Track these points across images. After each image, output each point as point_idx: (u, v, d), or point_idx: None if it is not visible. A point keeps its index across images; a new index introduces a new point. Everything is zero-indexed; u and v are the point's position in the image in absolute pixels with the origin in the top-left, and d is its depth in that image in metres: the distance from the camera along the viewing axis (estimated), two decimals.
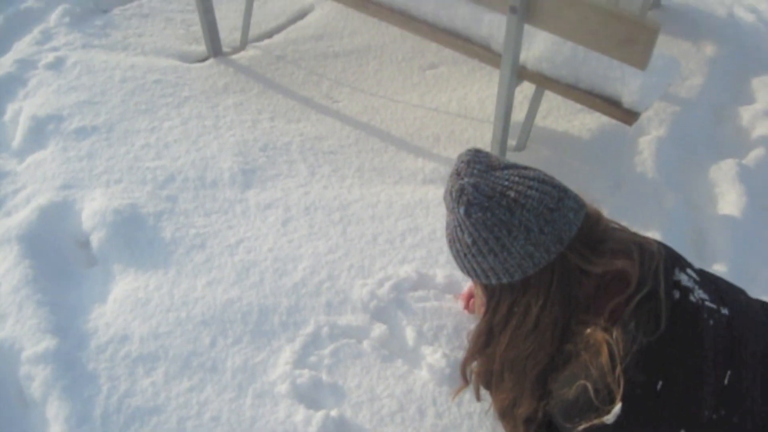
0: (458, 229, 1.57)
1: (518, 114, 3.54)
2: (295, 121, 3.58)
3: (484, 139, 3.50)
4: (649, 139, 3.58)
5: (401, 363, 2.55)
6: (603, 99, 3.01)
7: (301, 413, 2.36)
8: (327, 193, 3.16)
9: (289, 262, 2.83)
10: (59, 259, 2.82)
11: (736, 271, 3.03)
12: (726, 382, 1.49)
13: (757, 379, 1.52)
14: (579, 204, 1.59)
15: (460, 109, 3.74)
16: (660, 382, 1.46)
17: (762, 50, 4.52)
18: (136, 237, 2.86)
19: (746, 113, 3.92)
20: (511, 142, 3.48)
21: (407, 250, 2.92)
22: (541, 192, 1.52)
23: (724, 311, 1.56)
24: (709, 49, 4.33)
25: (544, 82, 3.10)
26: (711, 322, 1.52)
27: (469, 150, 1.63)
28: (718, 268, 3.01)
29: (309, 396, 2.44)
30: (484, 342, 1.73)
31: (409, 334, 2.63)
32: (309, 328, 2.61)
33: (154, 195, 3.04)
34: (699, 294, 1.57)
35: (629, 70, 2.91)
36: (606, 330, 1.51)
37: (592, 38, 2.71)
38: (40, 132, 3.33)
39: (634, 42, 2.63)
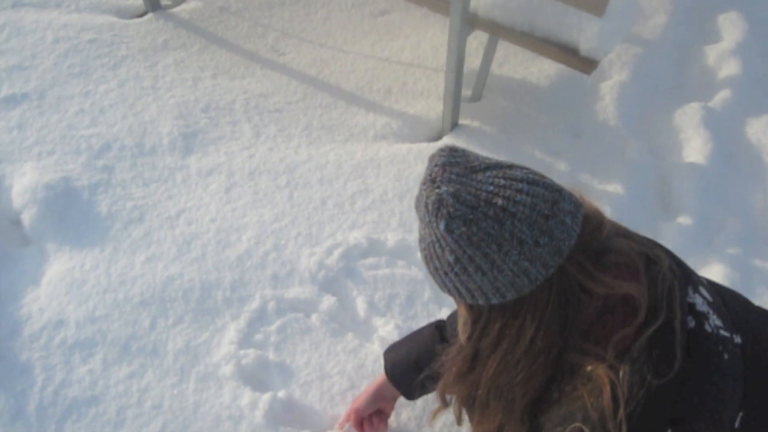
0: (436, 245, 1.33)
1: (474, 61, 3.38)
2: (239, 77, 3.41)
3: (438, 91, 3.34)
4: (610, 84, 3.44)
5: (352, 336, 2.45)
6: (559, 47, 2.86)
7: (247, 396, 2.26)
8: (273, 155, 3.01)
9: (233, 232, 2.69)
10: None
11: (702, 221, 2.94)
12: (737, 425, 1.35)
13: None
14: (576, 206, 1.33)
15: (414, 58, 3.57)
16: (668, 431, 1.30)
17: None
18: (70, 213, 2.71)
19: (712, 52, 3.78)
20: (467, 92, 3.33)
21: (357, 214, 2.79)
22: (533, 196, 1.27)
23: (737, 339, 1.37)
24: None
25: (498, 30, 2.94)
26: (726, 356, 1.33)
27: (442, 150, 1.37)
28: (684, 220, 2.91)
29: (255, 377, 2.33)
30: (470, 367, 1.49)
31: (360, 305, 2.53)
32: (254, 304, 2.49)
33: (89, 166, 2.87)
34: (714, 321, 1.36)
35: (586, 16, 2.75)
36: (611, 367, 1.31)
37: None
38: None
39: None
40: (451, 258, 1.31)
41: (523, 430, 1.49)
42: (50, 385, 2.27)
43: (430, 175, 1.33)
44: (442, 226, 1.28)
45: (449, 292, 1.39)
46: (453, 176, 1.30)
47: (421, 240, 1.38)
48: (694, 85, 3.62)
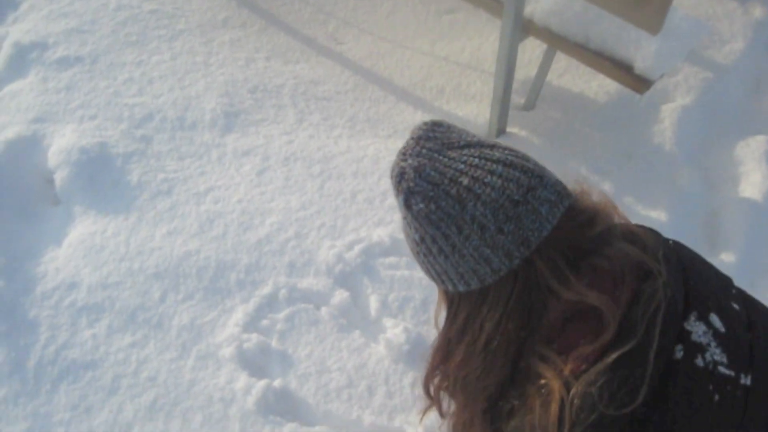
0: (404, 222, 1.29)
1: (533, 69, 3.28)
2: (293, 62, 3.38)
3: (491, 95, 3.26)
4: (672, 107, 3.29)
5: (359, 334, 2.40)
6: (613, 62, 2.74)
7: (242, 380, 2.24)
8: (311, 143, 2.98)
9: (257, 215, 2.67)
10: (22, 196, 2.72)
11: (748, 262, 2.79)
12: None
13: None
14: (559, 195, 1.22)
15: (472, 60, 3.49)
16: None
17: None
18: (100, 178, 2.73)
19: None
20: (520, 100, 3.24)
21: (386, 211, 2.74)
22: (505, 179, 1.18)
23: (745, 380, 1.18)
24: (758, 11, 3.95)
25: (551, 39, 2.84)
26: (716, 397, 1.16)
27: (425, 123, 1.30)
28: (727, 257, 2.77)
29: (254, 362, 2.31)
30: (442, 357, 1.41)
31: (373, 303, 2.48)
32: (266, 289, 2.47)
33: (127, 134, 2.89)
34: (713, 355, 1.18)
35: (645, 33, 2.63)
36: (566, 383, 1.18)
37: None
38: (21, 60, 3.19)
39: (646, 3, 2.36)
40: (416, 236, 1.26)
41: (488, 429, 1.38)
42: (53, 344, 2.29)
43: (404, 147, 1.29)
44: (401, 200, 1.24)
45: (425, 273, 1.34)
46: (424, 150, 1.24)
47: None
48: (764, 117, 3.43)
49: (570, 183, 1.30)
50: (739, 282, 2.71)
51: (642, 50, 2.68)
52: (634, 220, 2.80)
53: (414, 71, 3.42)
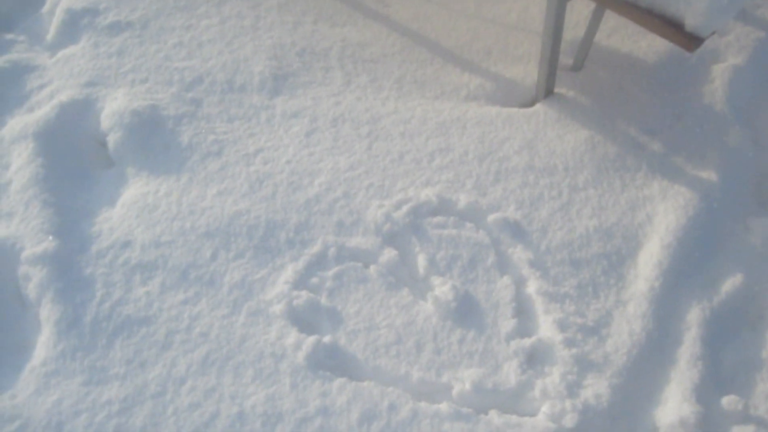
0: None
1: (582, 30, 3.24)
2: (339, 24, 3.39)
3: (539, 56, 3.23)
4: (723, 67, 3.23)
5: (407, 292, 2.42)
6: (664, 20, 2.69)
7: (293, 336, 2.28)
8: (359, 104, 2.98)
9: (306, 176, 2.69)
10: (75, 158, 2.77)
11: None
12: None
13: None
14: None
15: (519, 21, 3.46)
16: None
17: None
18: (152, 140, 2.77)
19: None
20: (568, 60, 3.21)
21: (433, 171, 2.74)
22: None
23: None
24: None
25: None
26: None
27: None
28: None
29: (304, 319, 2.35)
30: None
31: (421, 262, 2.50)
32: (315, 248, 2.50)
33: (178, 97, 2.93)
34: None
35: None
36: None
37: None
38: (73, 26, 3.24)
39: None
40: None
41: None
42: (108, 300, 2.35)
43: None
44: None
45: None
46: None
47: None
48: None
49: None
50: None
51: (692, 7, 2.62)
52: (683, 181, 2.78)
53: (461, 33, 3.39)
